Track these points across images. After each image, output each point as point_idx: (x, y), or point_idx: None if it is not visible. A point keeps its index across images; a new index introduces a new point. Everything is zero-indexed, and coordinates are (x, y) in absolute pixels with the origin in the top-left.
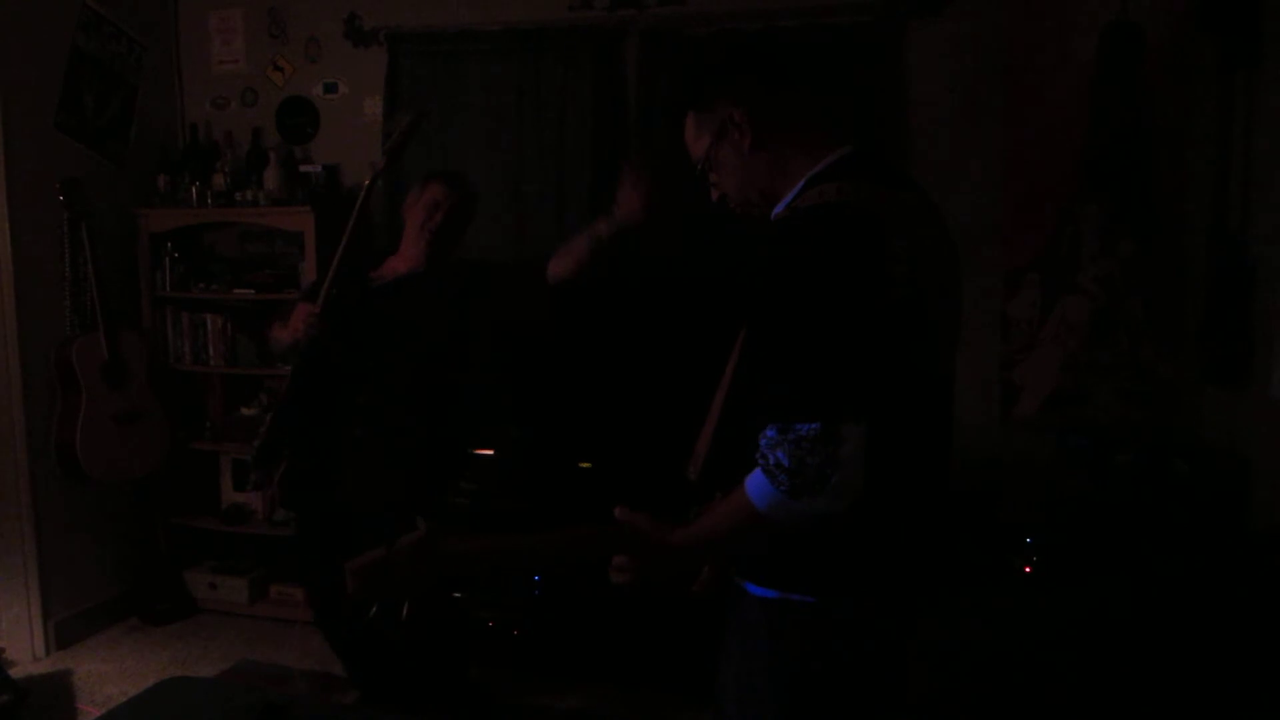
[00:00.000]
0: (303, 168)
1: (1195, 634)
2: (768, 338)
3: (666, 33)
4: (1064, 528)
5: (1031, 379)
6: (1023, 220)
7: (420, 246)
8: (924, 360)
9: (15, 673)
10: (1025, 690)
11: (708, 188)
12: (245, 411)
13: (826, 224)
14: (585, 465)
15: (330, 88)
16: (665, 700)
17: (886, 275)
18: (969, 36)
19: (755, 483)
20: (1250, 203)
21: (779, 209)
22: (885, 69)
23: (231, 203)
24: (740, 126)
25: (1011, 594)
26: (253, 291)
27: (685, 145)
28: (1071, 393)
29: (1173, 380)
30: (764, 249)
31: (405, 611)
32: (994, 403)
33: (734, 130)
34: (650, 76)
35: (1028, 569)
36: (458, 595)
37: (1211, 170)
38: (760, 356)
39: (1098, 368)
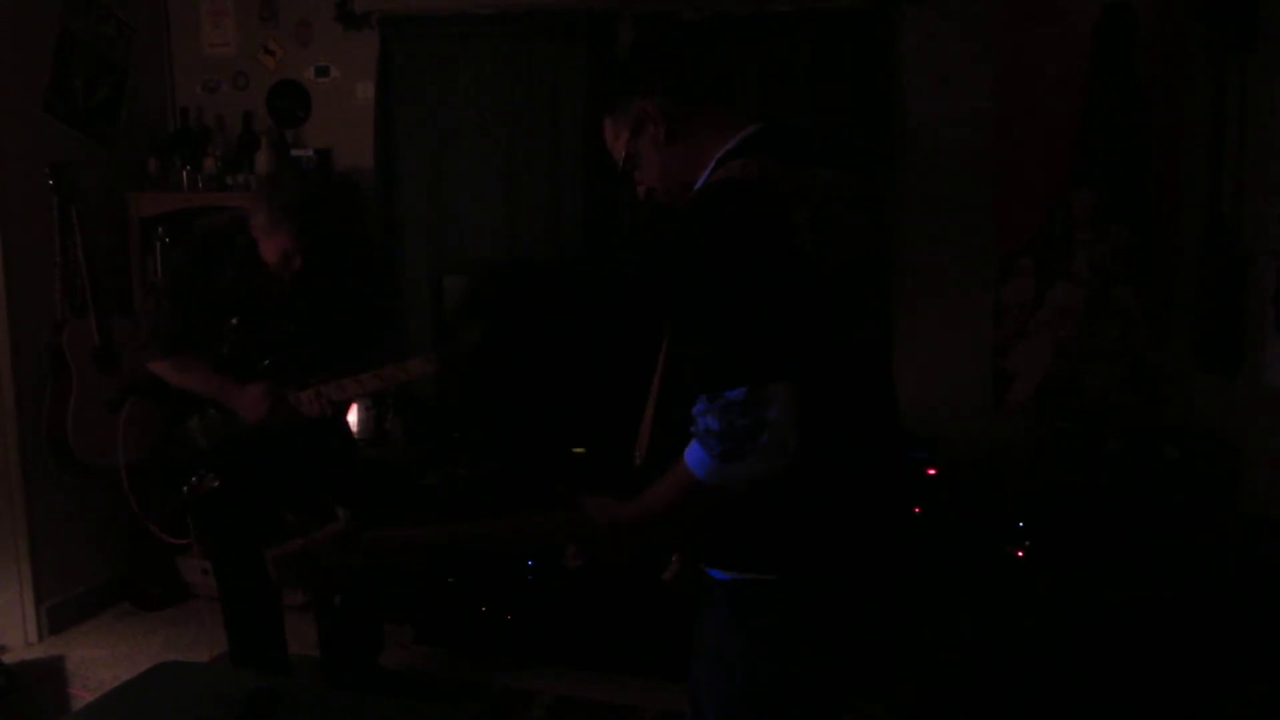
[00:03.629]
0: (294, 152)
1: (1186, 618)
2: (688, 312)
3: (659, 16)
4: (1055, 513)
5: (1024, 365)
6: (1016, 205)
7: (286, 282)
8: (838, 327)
9: (7, 658)
10: (1017, 676)
11: (634, 186)
12: None
13: (727, 196)
14: (579, 450)
15: (322, 71)
16: (653, 684)
17: (789, 245)
18: (963, 20)
19: (691, 451)
20: (1244, 189)
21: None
22: (878, 53)
23: (222, 187)
24: (654, 118)
25: (1003, 580)
26: None
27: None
28: (1063, 379)
29: (1164, 366)
30: (675, 227)
31: (338, 600)
32: (986, 389)
33: (649, 123)
34: None
35: (1019, 554)
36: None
37: (1206, 156)
38: (683, 333)
39: (1090, 354)
